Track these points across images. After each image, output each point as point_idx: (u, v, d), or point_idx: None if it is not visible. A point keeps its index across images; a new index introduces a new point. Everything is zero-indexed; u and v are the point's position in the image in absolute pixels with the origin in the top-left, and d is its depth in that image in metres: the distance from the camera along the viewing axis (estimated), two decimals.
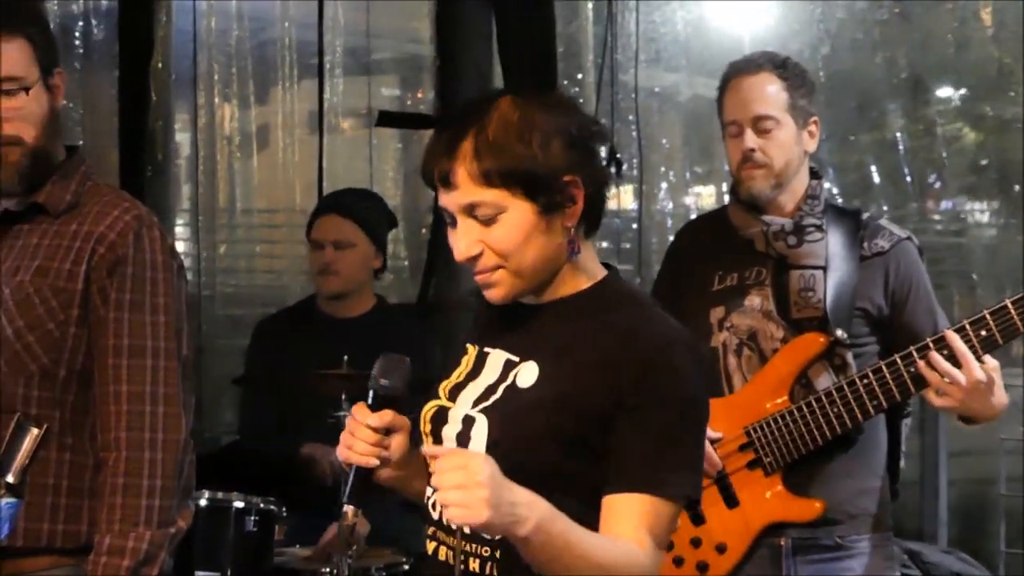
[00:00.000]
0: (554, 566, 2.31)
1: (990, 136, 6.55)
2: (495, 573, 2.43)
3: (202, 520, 4.28)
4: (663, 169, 6.42)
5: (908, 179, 6.43)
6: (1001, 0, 6.01)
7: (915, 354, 3.49)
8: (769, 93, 3.71)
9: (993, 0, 6.01)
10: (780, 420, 3.64)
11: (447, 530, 2.48)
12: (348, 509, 2.44)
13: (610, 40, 6.15)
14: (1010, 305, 3.42)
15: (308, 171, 6.99)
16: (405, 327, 5.08)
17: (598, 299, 2.51)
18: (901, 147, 6.36)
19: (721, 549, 3.73)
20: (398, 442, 2.48)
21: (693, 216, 5.38)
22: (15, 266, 3.02)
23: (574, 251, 2.47)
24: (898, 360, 3.52)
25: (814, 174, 3.82)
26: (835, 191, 6.49)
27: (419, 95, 7.10)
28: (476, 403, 2.49)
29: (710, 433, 3.71)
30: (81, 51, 7.20)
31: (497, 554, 2.43)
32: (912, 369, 3.50)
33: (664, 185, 6.43)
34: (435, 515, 2.52)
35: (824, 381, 3.64)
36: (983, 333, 3.44)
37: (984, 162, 6.59)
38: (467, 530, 2.41)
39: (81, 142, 7.17)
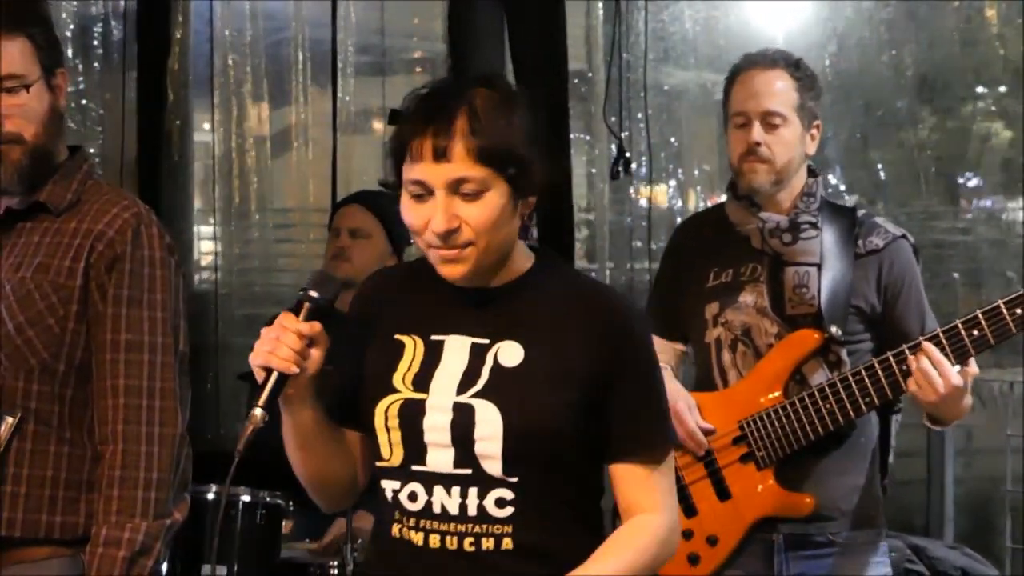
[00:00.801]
0: None
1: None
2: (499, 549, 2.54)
3: (210, 514, 4.33)
4: (671, 167, 6.46)
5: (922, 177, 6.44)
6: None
7: (907, 352, 3.51)
8: (781, 90, 3.74)
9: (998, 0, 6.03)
10: (773, 415, 3.68)
11: (441, 518, 2.54)
12: (258, 413, 2.45)
13: (619, 38, 6.19)
14: (1003, 306, 3.44)
15: (323, 170, 7.04)
16: None
17: (547, 277, 2.62)
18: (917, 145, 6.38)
19: (712, 541, 3.78)
20: (316, 356, 2.51)
21: None
22: (17, 263, 3.08)
23: (527, 236, 2.60)
24: (891, 357, 3.55)
25: (811, 172, 3.85)
26: (842, 187, 6.50)
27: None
28: (461, 390, 2.54)
29: (702, 423, 3.77)
30: (100, 51, 7.26)
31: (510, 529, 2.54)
32: (904, 367, 3.52)
33: (673, 183, 6.46)
34: (414, 507, 2.57)
35: (818, 378, 3.68)
36: (975, 333, 3.46)
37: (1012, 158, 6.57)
38: (469, 513, 2.53)
39: (100, 141, 7.27)
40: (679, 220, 6.11)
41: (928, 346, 3.46)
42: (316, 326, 2.50)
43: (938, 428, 3.71)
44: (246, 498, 4.47)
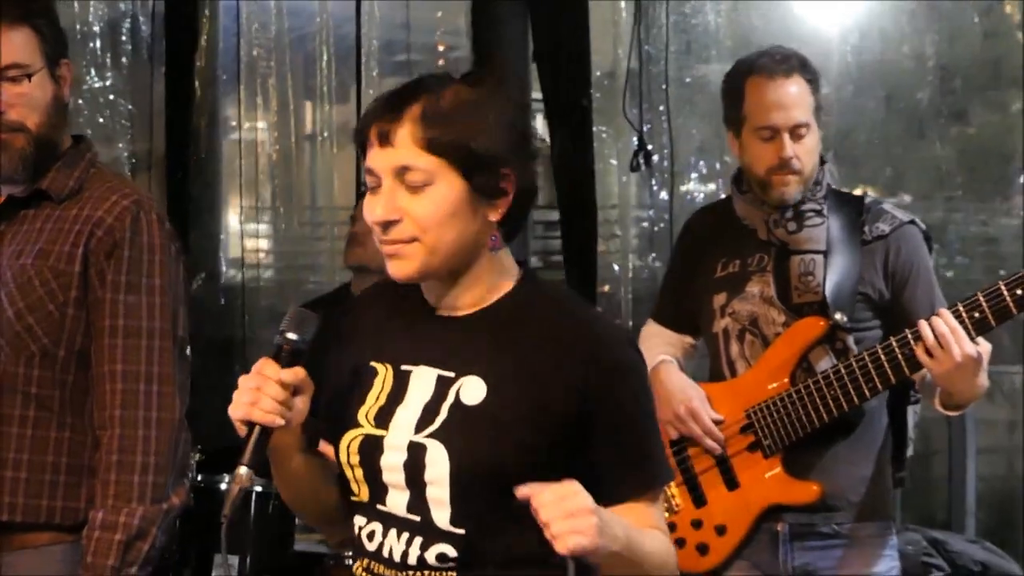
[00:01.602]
0: (633, 570, 2.35)
1: None
2: None
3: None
4: (693, 160, 6.42)
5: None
6: None
7: (910, 336, 3.50)
8: (802, 98, 3.71)
9: None
10: (779, 403, 3.67)
11: (388, 563, 2.40)
12: (243, 472, 2.29)
13: (640, 31, 6.19)
14: (1003, 287, 3.42)
15: (347, 168, 7.06)
16: None
17: (525, 302, 2.42)
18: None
19: (721, 531, 3.77)
20: (301, 405, 2.34)
21: None
22: (18, 250, 3.11)
23: (495, 245, 2.38)
24: (893, 342, 3.53)
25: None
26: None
27: None
28: (419, 428, 2.36)
29: (712, 414, 3.77)
30: (129, 48, 7.30)
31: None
32: (907, 351, 3.50)
33: (695, 176, 6.44)
34: (371, 547, 2.43)
35: (825, 365, 3.66)
36: (976, 315, 3.43)
37: None
38: (410, 562, 2.37)
39: (129, 137, 7.31)
40: None
41: (944, 312, 3.43)
42: (300, 372, 2.33)
43: (953, 413, 3.66)
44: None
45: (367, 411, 2.42)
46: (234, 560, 4.41)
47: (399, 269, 2.37)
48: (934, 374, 3.48)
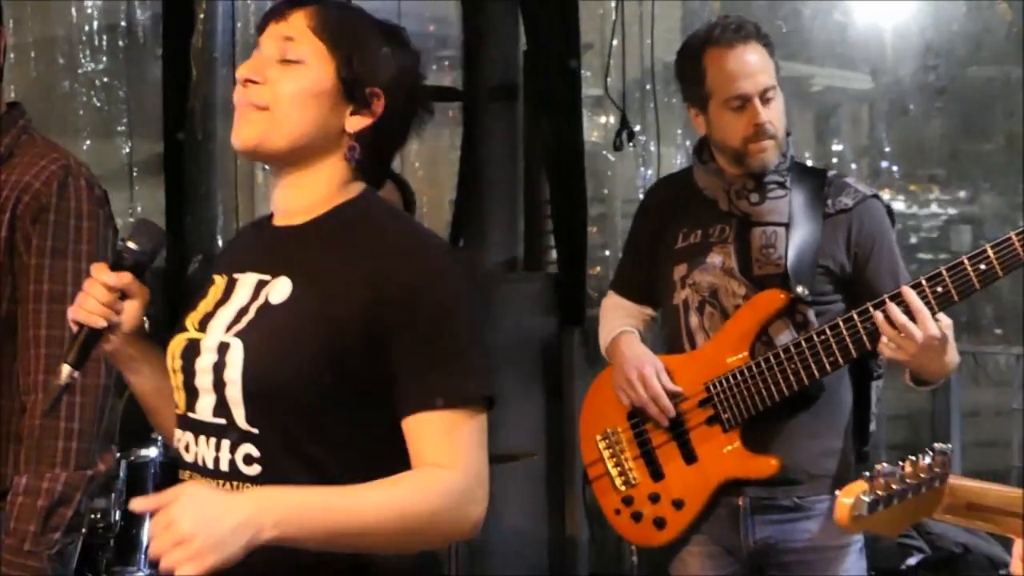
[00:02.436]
0: (339, 540, 2.24)
1: None
2: None
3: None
4: (680, 138, 6.41)
5: None
6: None
7: (871, 310, 3.44)
8: (764, 62, 3.66)
9: None
10: (739, 376, 3.62)
11: (204, 471, 2.36)
12: (65, 368, 2.36)
13: (623, 7, 6.16)
14: (966, 261, 3.36)
15: None
16: None
17: (355, 215, 2.42)
18: None
19: (679, 505, 3.72)
20: (132, 309, 2.40)
21: None
22: None
23: (353, 156, 2.42)
24: (855, 316, 3.48)
25: None
26: None
27: (447, 71, 7.10)
28: (229, 328, 2.38)
29: (670, 386, 3.70)
30: (125, 28, 7.29)
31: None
32: (868, 325, 3.45)
33: (680, 155, 6.42)
34: (188, 457, 2.40)
35: (785, 338, 3.61)
36: (939, 289, 3.38)
37: None
38: (223, 468, 2.34)
39: (126, 120, 7.30)
40: None
41: (908, 291, 3.37)
42: (125, 277, 2.38)
43: (924, 388, 3.61)
44: None
45: (195, 316, 2.45)
46: None
47: (240, 134, 2.40)
48: (900, 360, 3.43)
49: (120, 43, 7.27)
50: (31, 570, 2.97)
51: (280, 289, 2.37)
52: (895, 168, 7.34)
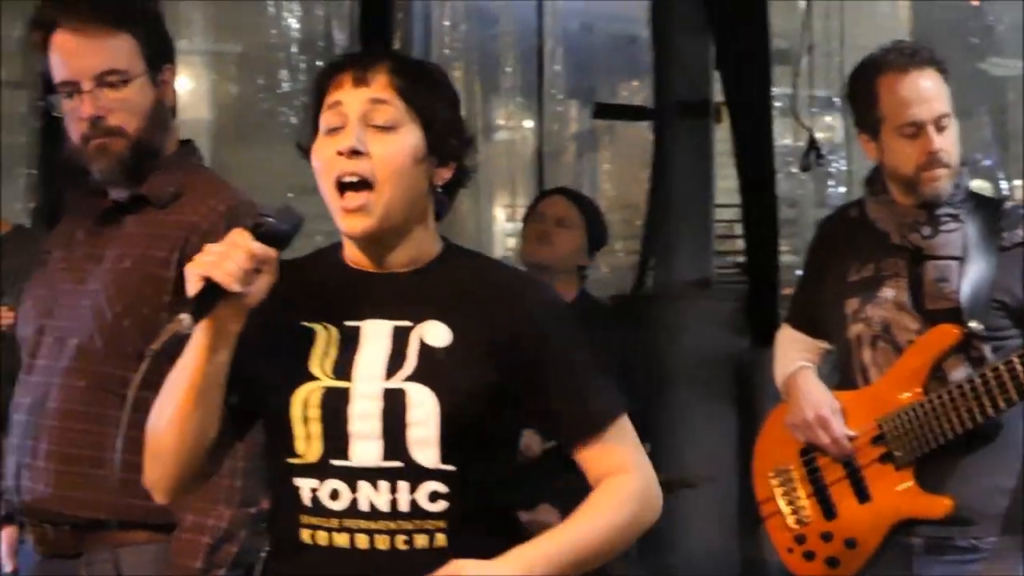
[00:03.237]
0: (577, 571, 2.42)
1: None
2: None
3: None
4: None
5: None
6: None
7: None
8: (941, 90, 3.60)
9: None
10: (912, 413, 3.55)
11: (370, 516, 2.39)
12: (185, 318, 2.32)
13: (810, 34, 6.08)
14: None
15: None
16: (603, 323, 5.06)
17: (456, 263, 2.51)
18: None
19: (851, 544, 3.66)
20: (260, 286, 2.36)
21: None
22: (120, 254, 3.15)
23: (443, 210, 2.49)
24: None
25: None
26: None
27: (634, 86, 7.11)
28: (390, 374, 2.40)
29: (845, 430, 3.65)
30: (323, 47, 7.44)
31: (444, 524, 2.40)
32: None
33: None
34: (337, 506, 2.40)
35: (960, 374, 3.53)
36: None
37: None
38: (401, 509, 2.38)
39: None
40: None
41: None
42: (271, 252, 2.35)
43: None
44: None
45: (322, 365, 2.44)
46: None
47: (359, 224, 2.40)
48: None
49: (318, 63, 7.41)
50: None
51: (437, 333, 2.42)
52: None
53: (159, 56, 3.21)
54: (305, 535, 2.42)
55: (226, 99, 7.21)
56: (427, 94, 2.42)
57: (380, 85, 2.39)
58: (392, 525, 2.38)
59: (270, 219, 2.37)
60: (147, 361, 2.40)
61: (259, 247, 2.33)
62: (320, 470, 2.42)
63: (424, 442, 2.37)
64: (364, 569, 2.39)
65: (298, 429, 2.42)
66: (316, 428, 2.41)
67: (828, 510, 3.70)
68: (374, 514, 2.38)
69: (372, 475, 2.38)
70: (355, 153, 2.37)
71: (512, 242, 7.38)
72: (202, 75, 6.98)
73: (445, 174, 2.47)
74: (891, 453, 3.60)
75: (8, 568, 3.28)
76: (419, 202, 2.45)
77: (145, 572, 3.10)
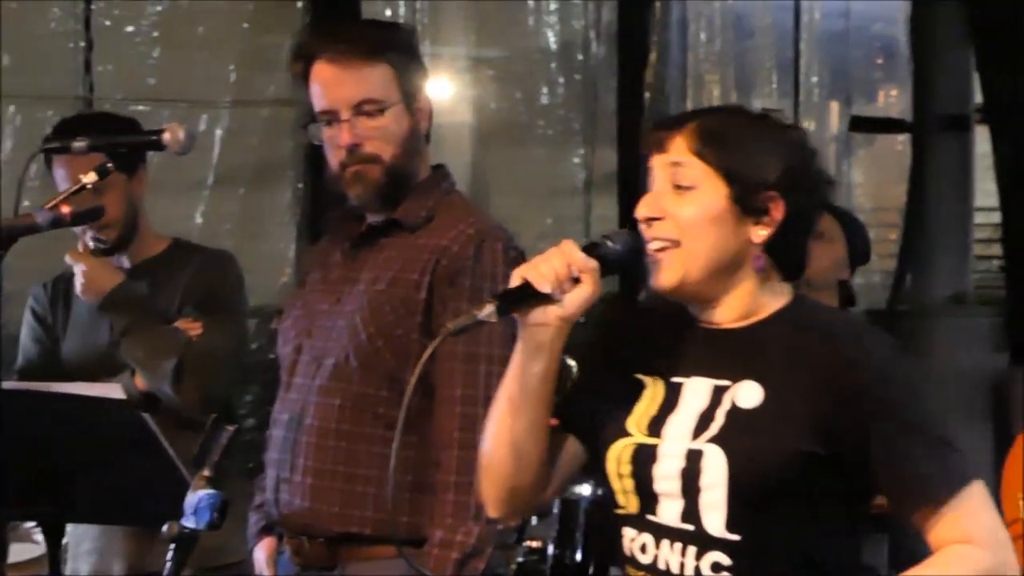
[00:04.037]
0: None
1: None
2: None
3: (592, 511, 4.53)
4: None
5: None
6: None
7: None
8: None
9: None
10: None
11: (659, 572, 2.42)
12: (489, 307, 2.39)
13: None
14: None
15: None
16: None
17: (795, 320, 2.44)
18: None
19: None
20: (575, 297, 2.38)
21: None
22: (374, 276, 3.24)
23: (759, 267, 2.42)
24: None
25: None
26: None
27: (892, 95, 7.01)
28: (696, 434, 2.39)
29: None
30: (582, 62, 7.51)
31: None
32: None
33: None
34: (644, 559, 2.45)
35: None
36: None
37: None
38: (687, 573, 2.39)
39: (582, 151, 7.53)
40: None
41: None
42: (589, 263, 2.37)
43: None
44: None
45: (636, 421, 2.46)
46: None
47: (662, 279, 2.42)
48: None
49: (577, 78, 7.48)
50: None
51: (748, 394, 2.39)
52: None
53: (414, 84, 3.30)
54: None
55: (487, 105, 7.33)
56: (730, 153, 2.40)
57: (677, 150, 2.41)
58: None
59: (605, 239, 2.43)
60: (439, 339, 2.50)
61: (579, 256, 2.37)
62: (638, 522, 2.46)
63: (713, 507, 2.35)
64: None
65: (615, 483, 2.47)
66: (629, 484, 2.45)
67: None
68: (667, 574, 2.41)
69: (672, 535, 2.41)
70: (652, 220, 2.42)
71: None
72: (464, 80, 7.12)
73: (762, 232, 2.41)
74: None
75: None
76: (728, 259, 2.42)
77: None
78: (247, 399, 6.21)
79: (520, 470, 2.55)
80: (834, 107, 7.28)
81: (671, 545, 2.40)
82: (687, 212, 2.39)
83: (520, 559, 4.87)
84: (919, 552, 2.36)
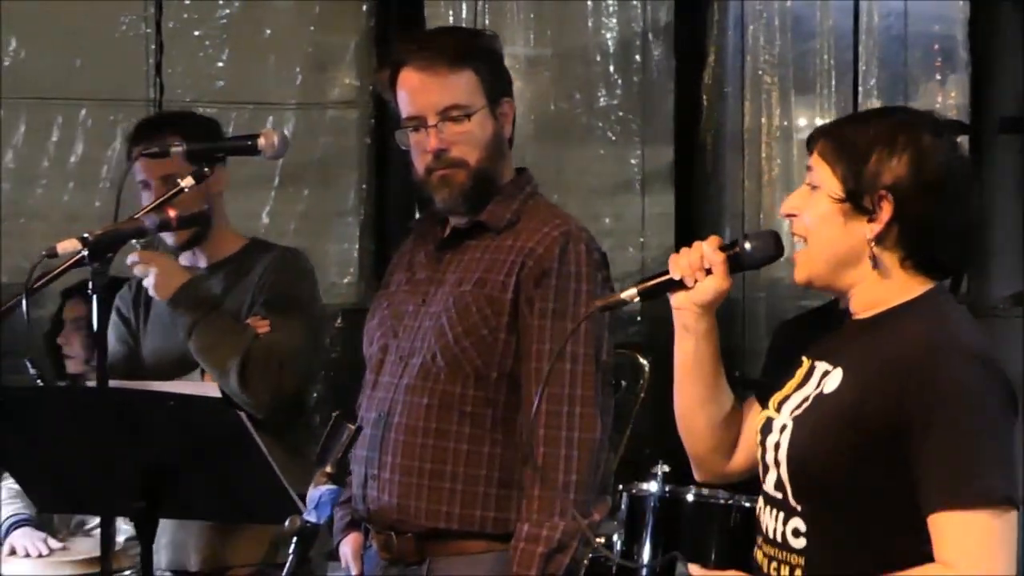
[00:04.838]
0: None
1: None
2: None
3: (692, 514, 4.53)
4: None
5: None
6: None
7: None
8: None
9: None
10: None
11: (769, 541, 2.61)
12: (633, 291, 2.65)
13: None
14: None
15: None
16: None
17: (908, 315, 2.53)
18: None
19: None
20: (705, 286, 2.62)
21: None
22: (459, 278, 3.33)
23: (875, 264, 2.52)
24: None
25: None
26: None
27: (952, 97, 7.03)
28: (794, 411, 2.59)
29: None
30: (640, 65, 7.56)
31: (802, 562, 2.54)
32: None
33: None
34: (762, 526, 2.64)
35: None
36: None
37: None
38: (778, 539, 2.57)
39: (639, 151, 7.58)
40: None
41: None
42: (717, 256, 2.60)
43: None
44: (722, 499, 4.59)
45: (778, 397, 2.66)
46: None
47: (795, 274, 2.62)
48: None
49: (635, 79, 7.53)
50: None
51: (834, 380, 2.56)
52: None
53: (498, 90, 3.40)
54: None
55: (545, 105, 7.40)
56: (847, 156, 2.54)
57: (818, 150, 2.58)
58: (773, 552, 2.60)
59: (744, 240, 2.63)
60: (587, 314, 2.96)
61: (711, 251, 2.61)
62: (763, 492, 2.66)
63: (786, 478, 2.56)
64: None
65: (757, 453, 2.69)
66: (759, 453, 2.67)
67: None
68: (772, 540, 2.61)
69: (772, 502, 2.62)
70: (789, 216, 2.62)
71: None
72: (523, 80, 7.18)
73: (872, 229, 2.52)
74: None
75: (355, 572, 3.49)
76: (843, 254, 2.56)
77: None
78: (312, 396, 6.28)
79: (696, 439, 2.81)
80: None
81: (771, 511, 2.60)
82: (810, 211, 2.57)
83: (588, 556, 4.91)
84: None
